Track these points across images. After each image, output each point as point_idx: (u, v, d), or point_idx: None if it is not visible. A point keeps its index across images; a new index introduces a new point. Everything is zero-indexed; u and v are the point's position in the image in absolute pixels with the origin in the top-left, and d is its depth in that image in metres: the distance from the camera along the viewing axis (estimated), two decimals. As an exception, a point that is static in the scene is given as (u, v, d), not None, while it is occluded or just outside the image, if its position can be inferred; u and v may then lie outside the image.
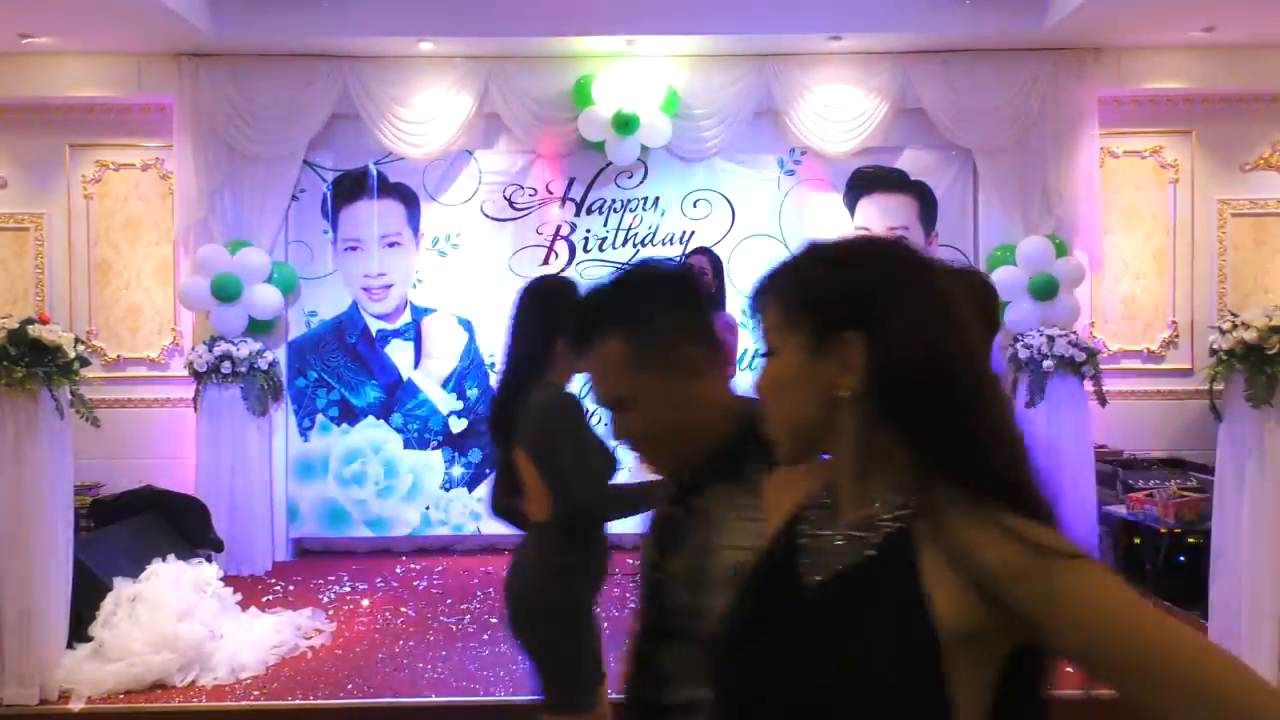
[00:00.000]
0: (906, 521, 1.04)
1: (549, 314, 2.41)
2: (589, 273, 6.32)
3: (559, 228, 6.32)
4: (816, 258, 1.12)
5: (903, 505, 1.04)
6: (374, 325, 6.36)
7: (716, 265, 4.86)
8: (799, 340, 1.08)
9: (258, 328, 6.03)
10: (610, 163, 6.18)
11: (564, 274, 2.57)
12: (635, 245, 6.32)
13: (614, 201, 6.34)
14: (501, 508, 2.60)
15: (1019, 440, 1.06)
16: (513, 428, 2.40)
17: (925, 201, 6.33)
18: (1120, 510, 5.56)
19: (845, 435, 1.08)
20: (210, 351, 5.86)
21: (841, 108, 6.08)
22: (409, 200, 6.35)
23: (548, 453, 2.32)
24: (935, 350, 1.04)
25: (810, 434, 1.10)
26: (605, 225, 6.33)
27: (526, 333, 2.47)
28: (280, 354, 6.18)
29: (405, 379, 6.33)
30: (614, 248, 6.33)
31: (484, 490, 6.28)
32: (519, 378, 2.44)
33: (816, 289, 1.08)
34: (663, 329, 1.46)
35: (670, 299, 1.50)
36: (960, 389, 1.04)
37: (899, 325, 1.04)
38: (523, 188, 6.34)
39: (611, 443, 1.58)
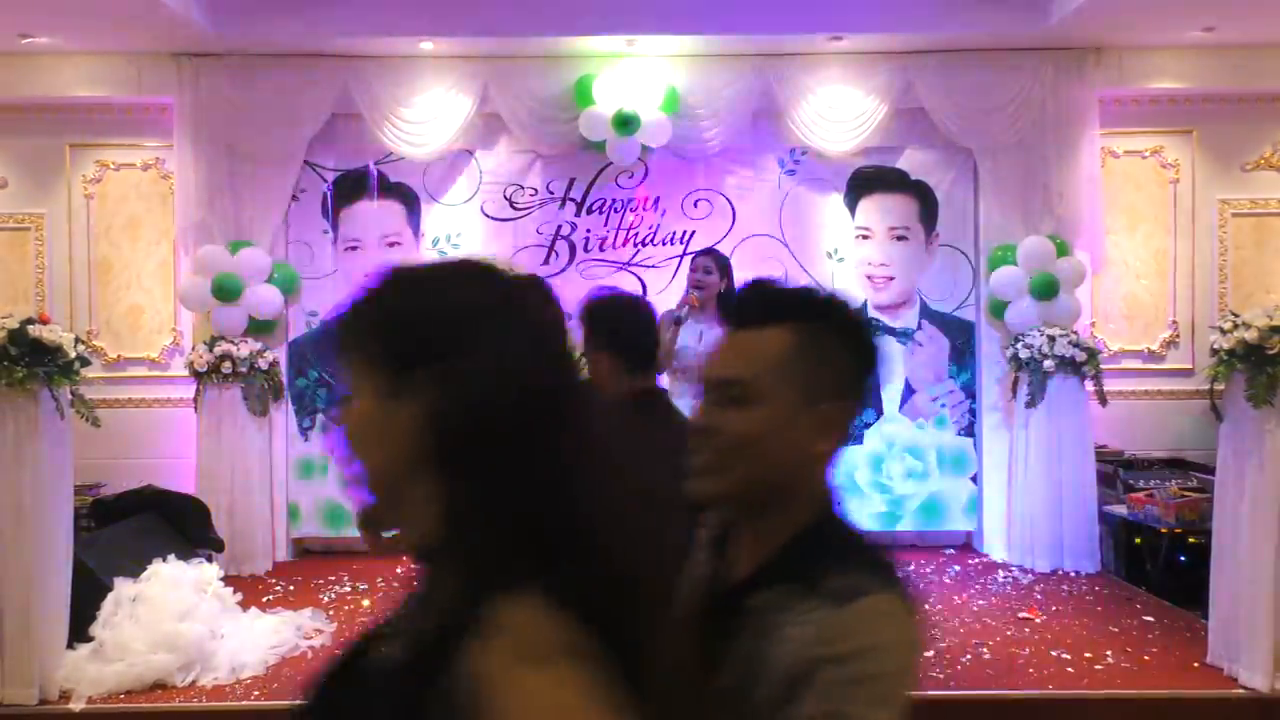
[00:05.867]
0: (462, 616, 0.80)
1: None
2: (589, 272, 6.33)
3: (559, 228, 6.32)
4: (398, 282, 0.92)
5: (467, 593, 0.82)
6: (374, 325, 6.34)
7: (724, 267, 4.80)
8: (374, 382, 0.88)
9: (258, 328, 6.03)
10: (610, 162, 6.18)
11: None
12: (635, 245, 6.32)
13: (614, 201, 6.33)
14: None
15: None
16: None
17: (926, 201, 6.33)
18: (1121, 510, 5.57)
19: (419, 503, 0.86)
20: (211, 351, 5.86)
21: (842, 108, 6.07)
22: (409, 200, 6.34)
23: None
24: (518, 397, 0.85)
25: (393, 499, 0.86)
26: (605, 225, 6.33)
27: None
28: (281, 354, 6.18)
29: (405, 379, 6.33)
30: (614, 248, 6.32)
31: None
32: None
33: (392, 317, 0.89)
34: (835, 356, 1.21)
35: (856, 340, 1.24)
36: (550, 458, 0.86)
37: (479, 364, 0.85)
38: (523, 188, 6.33)
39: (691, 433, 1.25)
